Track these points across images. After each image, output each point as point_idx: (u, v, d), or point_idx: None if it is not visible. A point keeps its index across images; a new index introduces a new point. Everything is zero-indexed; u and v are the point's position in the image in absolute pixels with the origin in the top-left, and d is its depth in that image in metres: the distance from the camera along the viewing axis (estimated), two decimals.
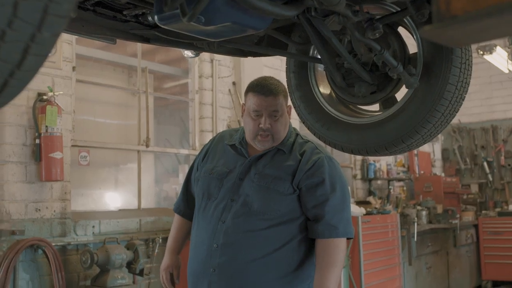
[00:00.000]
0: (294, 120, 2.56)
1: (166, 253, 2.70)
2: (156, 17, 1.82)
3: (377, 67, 2.35)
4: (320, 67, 2.60)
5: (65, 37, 4.66)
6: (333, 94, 2.60)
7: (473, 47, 6.69)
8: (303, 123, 2.71)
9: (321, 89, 2.64)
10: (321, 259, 2.33)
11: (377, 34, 2.04)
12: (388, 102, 2.46)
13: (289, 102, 2.55)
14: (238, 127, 2.69)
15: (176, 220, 2.74)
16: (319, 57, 2.46)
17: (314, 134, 2.67)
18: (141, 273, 4.65)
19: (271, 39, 2.67)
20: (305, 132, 2.85)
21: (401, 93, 2.39)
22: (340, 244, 2.36)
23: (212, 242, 2.35)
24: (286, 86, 2.67)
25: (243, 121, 2.47)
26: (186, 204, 2.69)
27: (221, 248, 2.33)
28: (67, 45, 4.75)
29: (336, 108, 2.59)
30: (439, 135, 10.44)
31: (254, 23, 1.88)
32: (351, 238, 2.44)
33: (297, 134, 2.55)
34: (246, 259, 2.31)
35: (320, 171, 2.38)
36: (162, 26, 1.84)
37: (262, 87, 2.39)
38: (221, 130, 6.15)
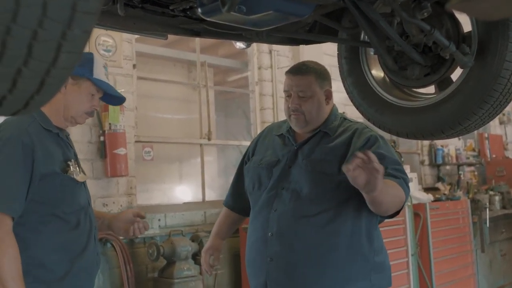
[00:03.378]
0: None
1: (210, 237, 2.75)
2: (199, 10, 1.83)
3: (430, 48, 2.28)
4: (372, 52, 2.55)
5: (125, 36, 4.77)
6: (386, 78, 2.55)
7: None
8: (357, 109, 2.67)
9: (374, 74, 2.59)
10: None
11: (425, 14, 1.99)
12: (443, 83, 2.38)
13: (329, 87, 2.50)
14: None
15: (223, 211, 2.78)
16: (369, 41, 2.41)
17: (368, 120, 2.62)
18: None
19: (322, 26, 2.64)
20: (359, 118, 2.80)
21: (457, 74, 2.32)
22: (401, 192, 2.25)
23: (266, 231, 2.35)
24: (339, 72, 2.64)
25: None
26: (235, 198, 2.71)
27: (276, 236, 2.33)
28: (127, 43, 4.87)
29: (389, 92, 2.53)
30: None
31: (297, 10, 1.86)
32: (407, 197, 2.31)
33: (345, 118, 2.52)
34: (301, 246, 2.30)
35: (376, 146, 2.30)
36: (206, 19, 1.86)
37: (294, 67, 2.42)
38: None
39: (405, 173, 2.34)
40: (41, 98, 1.07)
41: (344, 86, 2.66)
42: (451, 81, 2.37)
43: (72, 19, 0.92)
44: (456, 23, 2.25)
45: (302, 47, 6.40)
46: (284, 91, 2.41)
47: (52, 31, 0.91)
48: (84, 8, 0.93)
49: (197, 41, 5.79)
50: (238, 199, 2.68)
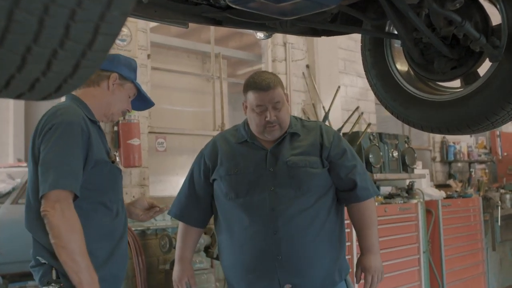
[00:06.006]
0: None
1: (178, 263, 2.69)
2: None
3: (457, 41, 2.24)
4: (397, 44, 2.50)
5: (140, 25, 4.74)
6: (411, 71, 2.50)
7: None
8: (380, 102, 2.63)
9: (398, 66, 2.54)
10: (362, 221, 2.60)
11: (457, 5, 1.94)
12: (469, 77, 2.34)
13: (286, 91, 2.70)
14: (234, 125, 2.76)
15: (183, 229, 2.71)
16: (395, 33, 2.37)
17: (392, 114, 2.58)
18: (218, 257, 4.69)
19: (345, 17, 2.59)
20: (382, 112, 2.78)
21: (483, 68, 2.27)
22: (373, 204, 2.66)
23: (269, 231, 2.40)
24: (362, 65, 2.61)
25: (248, 117, 2.57)
26: (190, 211, 2.66)
27: (281, 234, 2.39)
28: (142, 33, 4.84)
29: (414, 86, 2.49)
30: None
31: None
32: (377, 195, 2.72)
33: (301, 119, 2.72)
34: (307, 237, 2.42)
35: (341, 142, 2.59)
36: (234, 6, 1.82)
37: (260, 83, 2.47)
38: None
39: (362, 165, 2.65)
40: (75, 82, 1.03)
41: (367, 79, 2.62)
42: (477, 75, 2.33)
43: (111, 0, 0.88)
44: (485, 16, 2.20)
45: (317, 41, 6.37)
46: (257, 106, 2.47)
47: (91, 12, 0.88)
48: None
49: (212, 33, 5.75)
50: (194, 212, 2.66)
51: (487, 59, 2.22)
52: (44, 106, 10.59)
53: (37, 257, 2.15)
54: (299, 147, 2.54)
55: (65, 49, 0.92)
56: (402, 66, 2.54)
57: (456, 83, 2.45)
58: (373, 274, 2.57)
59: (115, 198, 2.32)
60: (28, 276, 7.28)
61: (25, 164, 8.39)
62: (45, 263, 2.13)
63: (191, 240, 2.72)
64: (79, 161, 2.14)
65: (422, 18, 2.22)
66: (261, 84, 2.47)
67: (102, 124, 4.38)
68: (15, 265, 7.22)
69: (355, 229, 2.66)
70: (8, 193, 7.68)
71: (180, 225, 2.73)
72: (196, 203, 2.65)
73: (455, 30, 2.10)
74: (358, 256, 2.67)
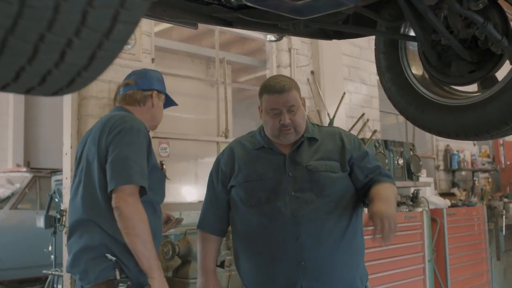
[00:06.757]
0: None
1: (204, 274, 2.63)
2: None
3: (476, 44, 2.17)
4: (412, 46, 2.44)
5: (144, 29, 4.69)
6: (427, 74, 2.44)
7: None
8: (394, 106, 2.57)
9: (414, 70, 2.49)
10: (379, 190, 2.40)
11: (480, 5, 1.88)
12: (487, 81, 2.28)
13: (302, 95, 2.57)
14: (249, 132, 2.72)
15: (201, 237, 2.68)
16: (411, 34, 2.31)
17: (407, 118, 2.52)
18: (221, 265, 4.58)
19: (357, 19, 2.53)
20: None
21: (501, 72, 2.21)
22: (394, 188, 2.51)
23: (291, 237, 2.35)
24: (376, 68, 2.55)
25: (263, 121, 2.52)
26: (216, 222, 2.63)
27: (304, 239, 2.34)
28: (146, 37, 4.78)
29: (430, 90, 2.43)
30: None
31: None
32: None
33: (317, 124, 2.69)
34: (330, 243, 2.36)
35: (361, 146, 2.56)
36: (250, 4, 1.75)
37: (275, 86, 2.44)
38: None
39: (384, 168, 2.59)
40: (89, 75, 0.95)
41: (381, 83, 2.56)
42: (495, 79, 2.27)
43: None
44: (505, 18, 2.14)
45: (322, 47, 6.32)
46: (272, 109, 2.43)
47: None
48: None
49: (216, 37, 5.70)
50: (219, 223, 2.64)
51: (506, 63, 2.16)
52: (45, 112, 10.49)
53: (106, 254, 2.34)
54: (318, 151, 2.50)
55: (81, 37, 0.84)
56: (417, 69, 2.49)
57: (471, 87, 2.39)
58: (384, 220, 2.16)
59: (160, 200, 2.56)
60: (27, 282, 7.21)
61: (24, 169, 8.32)
62: (111, 260, 2.33)
63: (211, 249, 2.66)
64: (146, 162, 2.41)
65: (441, 20, 2.16)
66: (276, 87, 2.43)
67: None
68: (14, 272, 7.15)
69: (369, 197, 2.40)
70: (7, 198, 7.63)
71: (199, 233, 2.69)
72: (214, 211, 2.62)
73: (477, 31, 2.04)
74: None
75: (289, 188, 2.41)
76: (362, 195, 2.50)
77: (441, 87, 2.44)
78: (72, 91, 1.02)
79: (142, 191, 2.36)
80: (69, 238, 2.47)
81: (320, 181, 2.42)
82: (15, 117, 10.95)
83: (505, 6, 2.16)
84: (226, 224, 2.64)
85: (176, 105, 2.98)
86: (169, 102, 2.88)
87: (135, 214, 2.28)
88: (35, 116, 10.87)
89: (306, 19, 2.17)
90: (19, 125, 11.00)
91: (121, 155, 2.35)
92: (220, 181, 2.58)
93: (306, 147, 2.51)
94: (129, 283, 2.34)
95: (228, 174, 2.55)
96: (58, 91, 0.99)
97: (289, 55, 6.15)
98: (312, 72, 6.36)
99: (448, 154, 8.45)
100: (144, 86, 2.68)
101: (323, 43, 6.17)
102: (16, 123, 11.01)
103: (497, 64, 2.20)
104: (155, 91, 2.71)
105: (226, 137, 5.65)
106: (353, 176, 2.49)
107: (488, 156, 9.53)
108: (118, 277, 2.32)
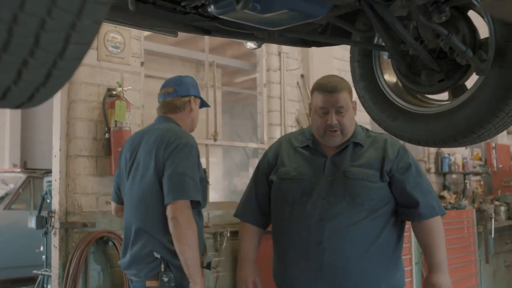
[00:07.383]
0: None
1: (244, 262, 2.63)
2: (212, 7, 1.79)
3: (445, 54, 2.24)
4: (385, 55, 2.51)
5: (133, 33, 4.74)
6: (399, 83, 2.50)
7: None
8: (368, 113, 2.63)
9: (387, 79, 2.55)
10: (428, 239, 2.48)
11: (443, 18, 1.94)
12: (457, 90, 2.34)
13: (354, 98, 2.55)
14: (300, 128, 2.72)
15: (246, 228, 2.68)
16: (383, 44, 2.37)
17: (380, 125, 2.58)
18: (208, 266, 4.61)
19: (335, 28, 2.59)
20: (373, 125, 2.78)
21: (471, 81, 2.27)
22: (439, 222, 2.52)
23: (314, 241, 2.37)
24: (351, 76, 2.60)
25: (311, 119, 2.53)
26: (250, 208, 2.66)
27: (326, 245, 2.35)
28: (136, 41, 4.83)
29: (402, 98, 2.49)
30: None
31: (312, 10, 1.82)
32: (444, 215, 2.57)
33: (367, 129, 2.62)
34: (353, 252, 2.36)
35: (406, 157, 2.50)
36: (219, 16, 1.81)
37: (326, 85, 2.43)
38: (289, 123, 6.13)
39: (428, 182, 2.55)
40: (47, 90, 1.02)
41: (355, 90, 2.61)
42: (465, 88, 2.33)
43: (82, 8, 0.88)
44: (473, 29, 2.20)
45: (312, 51, 6.36)
46: (321, 108, 2.43)
47: (61, 21, 0.87)
48: None
49: (206, 41, 5.76)
50: (251, 209, 2.66)
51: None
52: (42, 113, 10.49)
53: (153, 252, 2.61)
54: (360, 158, 2.48)
55: (36, 58, 0.91)
56: (390, 78, 2.55)
57: (445, 95, 2.46)
58: None
59: (204, 205, 2.76)
60: (21, 282, 7.25)
61: (18, 170, 8.38)
62: (157, 257, 2.60)
63: (251, 239, 2.66)
64: (198, 176, 2.65)
65: (410, 30, 2.22)
66: (327, 86, 2.43)
67: (94, 129, 4.40)
68: (7, 271, 7.20)
69: (421, 247, 2.57)
70: (1, 198, 7.68)
71: (240, 224, 2.72)
72: (255, 201, 2.65)
73: (442, 42, 2.10)
74: (426, 275, 2.55)
75: (323, 191, 2.42)
76: (403, 208, 2.49)
77: (414, 96, 2.50)
78: (34, 105, 1.09)
79: (195, 203, 2.63)
80: (127, 244, 2.75)
81: (354, 188, 2.40)
82: (12, 117, 11.00)
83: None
84: (267, 217, 2.64)
85: (209, 106, 3.23)
86: (202, 104, 3.04)
87: (189, 226, 2.55)
88: (32, 116, 10.92)
89: (280, 29, 2.23)
90: (16, 125, 11.05)
91: (178, 170, 2.59)
92: (265, 171, 2.62)
93: (350, 152, 2.49)
94: (173, 284, 2.59)
95: (272, 167, 2.58)
96: (20, 105, 1.06)
97: (279, 58, 6.19)
98: (302, 76, 6.42)
99: (439, 157, 8.50)
100: (182, 93, 2.87)
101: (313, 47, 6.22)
102: (13, 123, 11.06)
103: (465, 74, 2.25)
104: (192, 96, 2.90)
105: (215, 140, 5.71)
106: (392, 188, 2.47)
107: (480, 159, 9.58)
108: (162, 269, 2.58)
